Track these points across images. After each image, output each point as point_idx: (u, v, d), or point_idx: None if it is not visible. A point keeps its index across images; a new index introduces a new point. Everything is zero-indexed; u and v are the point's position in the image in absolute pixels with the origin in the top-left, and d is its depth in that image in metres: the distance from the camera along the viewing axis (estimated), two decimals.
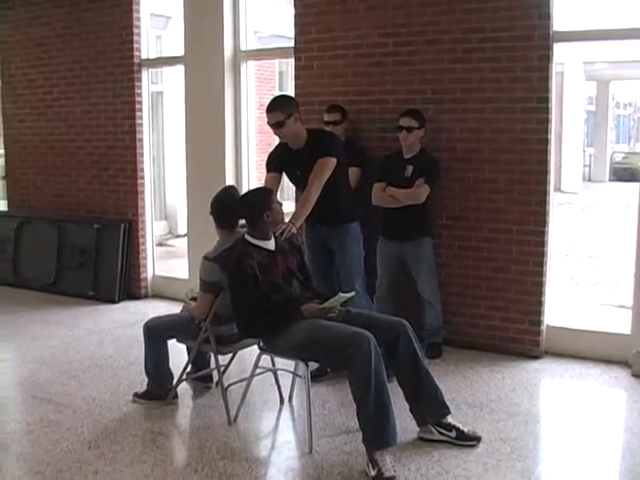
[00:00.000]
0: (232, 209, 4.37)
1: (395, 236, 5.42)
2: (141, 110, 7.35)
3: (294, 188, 5.42)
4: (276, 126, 4.63)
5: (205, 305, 4.33)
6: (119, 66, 7.32)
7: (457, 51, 5.47)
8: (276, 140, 5.00)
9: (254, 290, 3.96)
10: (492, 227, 5.48)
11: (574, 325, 5.63)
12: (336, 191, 4.75)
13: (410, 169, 5.31)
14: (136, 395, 4.69)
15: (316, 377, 4.76)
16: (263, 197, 4.20)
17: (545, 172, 5.28)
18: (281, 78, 14.18)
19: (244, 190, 6.41)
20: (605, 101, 24.19)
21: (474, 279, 5.58)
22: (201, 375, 4.83)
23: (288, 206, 4.68)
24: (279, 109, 4.61)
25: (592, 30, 5.73)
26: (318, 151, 4.67)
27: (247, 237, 4.14)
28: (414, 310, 5.41)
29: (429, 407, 3.99)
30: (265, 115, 4.65)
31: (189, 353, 4.71)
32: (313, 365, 4.46)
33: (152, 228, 7.64)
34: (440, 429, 3.98)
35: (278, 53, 7.97)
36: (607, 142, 24.21)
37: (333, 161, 4.67)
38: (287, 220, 4.29)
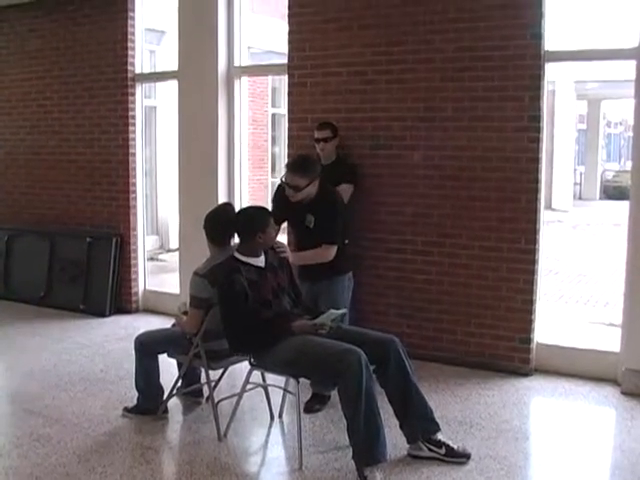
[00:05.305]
0: (226, 226, 4.40)
1: (307, 277, 4.81)
2: (134, 124, 7.35)
3: None
4: (325, 140, 5.56)
5: (196, 320, 4.33)
6: (113, 80, 7.34)
7: (449, 70, 5.51)
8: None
9: (243, 306, 3.97)
10: (483, 245, 5.50)
11: (564, 343, 5.65)
12: None
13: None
14: (126, 409, 4.68)
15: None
16: (263, 217, 4.19)
17: (536, 190, 5.31)
18: (274, 94, 14.23)
19: (237, 206, 6.44)
20: (596, 120, 24.39)
21: (464, 296, 5.59)
22: (192, 390, 4.82)
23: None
24: (330, 128, 5.57)
25: (583, 50, 5.84)
26: (343, 174, 5.52)
27: (236, 254, 4.16)
28: None
29: (419, 424, 3.99)
30: (317, 131, 5.58)
31: (180, 368, 4.70)
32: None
33: (144, 242, 7.63)
34: (430, 446, 3.98)
35: (272, 70, 8.04)
36: (598, 160, 24.41)
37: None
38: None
